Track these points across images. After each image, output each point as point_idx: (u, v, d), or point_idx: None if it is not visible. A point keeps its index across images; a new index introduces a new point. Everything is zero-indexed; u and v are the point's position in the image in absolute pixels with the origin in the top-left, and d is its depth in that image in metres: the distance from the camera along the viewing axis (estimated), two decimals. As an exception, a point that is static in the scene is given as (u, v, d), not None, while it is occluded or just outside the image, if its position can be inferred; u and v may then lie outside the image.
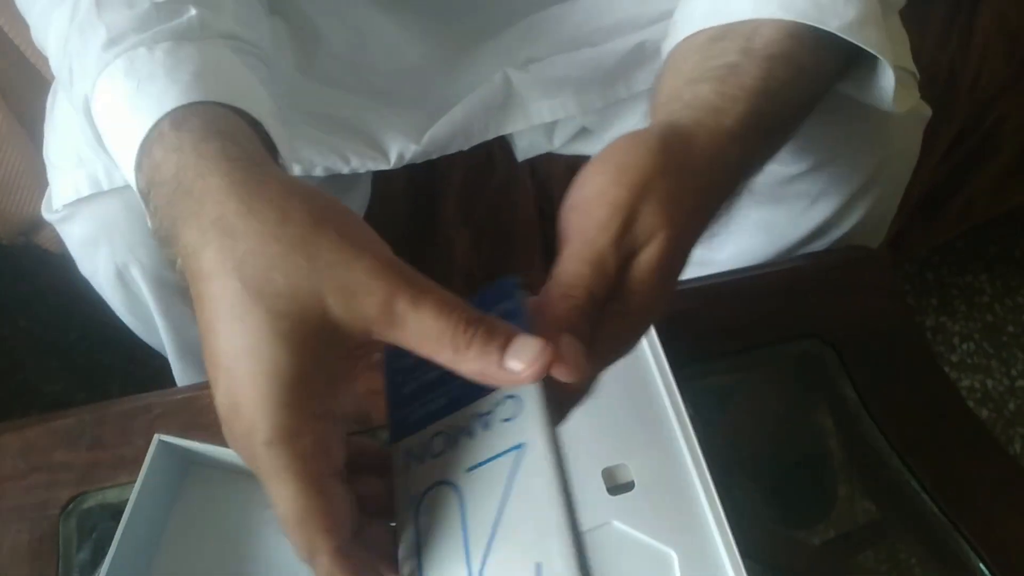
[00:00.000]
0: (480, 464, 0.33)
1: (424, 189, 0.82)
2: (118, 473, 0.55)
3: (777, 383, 0.63)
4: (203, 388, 0.58)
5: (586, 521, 0.48)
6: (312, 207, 0.33)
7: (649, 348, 0.55)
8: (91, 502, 0.55)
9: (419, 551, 0.33)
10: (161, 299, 0.60)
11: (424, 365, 0.34)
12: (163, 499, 0.52)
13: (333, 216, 0.33)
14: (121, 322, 0.69)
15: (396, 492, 0.35)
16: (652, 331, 0.54)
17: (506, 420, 0.33)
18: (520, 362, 0.31)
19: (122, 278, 0.59)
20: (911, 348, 0.59)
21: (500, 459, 0.32)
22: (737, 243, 0.67)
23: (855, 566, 0.58)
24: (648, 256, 0.37)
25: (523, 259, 0.92)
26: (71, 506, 0.54)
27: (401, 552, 0.34)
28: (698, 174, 0.39)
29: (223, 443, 0.34)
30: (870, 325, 0.60)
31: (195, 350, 0.67)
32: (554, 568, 0.29)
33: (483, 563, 0.31)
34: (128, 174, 0.39)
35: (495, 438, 0.33)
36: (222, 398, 0.32)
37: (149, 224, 0.37)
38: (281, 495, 0.32)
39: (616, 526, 0.49)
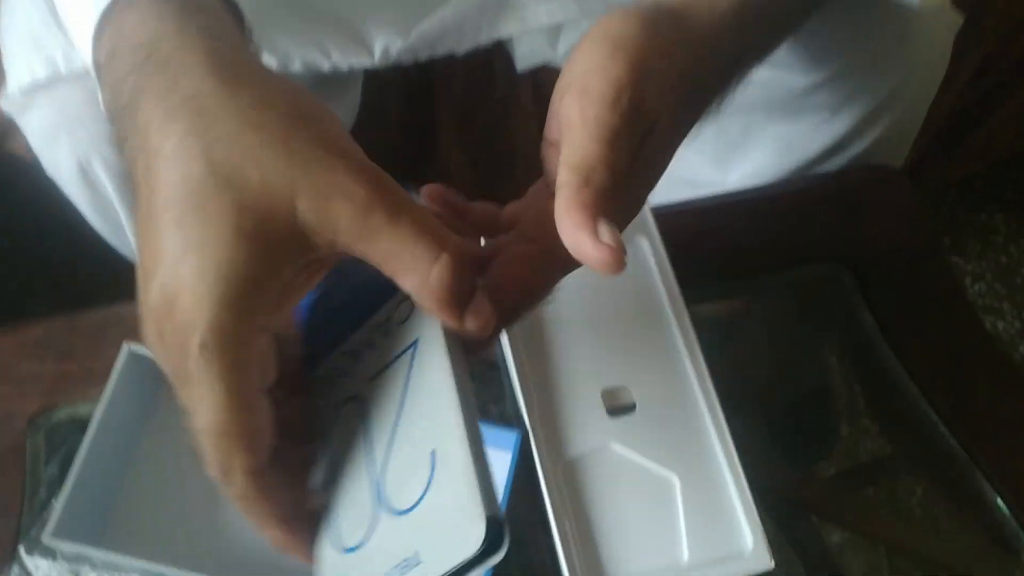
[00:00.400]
0: (380, 371, 0.32)
1: (419, 102, 0.77)
2: (88, 386, 0.51)
3: (789, 310, 0.60)
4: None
5: (584, 443, 0.46)
6: (295, 101, 0.30)
7: (657, 268, 0.51)
8: (61, 416, 0.52)
9: (329, 467, 0.32)
10: (127, 197, 0.57)
11: (334, 291, 0.34)
12: (134, 413, 0.49)
13: (316, 113, 0.31)
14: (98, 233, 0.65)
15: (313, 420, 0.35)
16: (662, 250, 0.51)
17: (401, 322, 0.32)
18: (477, 320, 0.30)
19: (86, 175, 0.55)
20: (934, 274, 0.56)
21: (398, 360, 0.32)
22: (751, 162, 0.63)
23: (861, 500, 0.56)
24: (649, 142, 0.33)
25: (524, 184, 0.88)
26: (39, 420, 0.51)
27: (316, 478, 0.33)
28: (693, 58, 0.35)
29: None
30: (891, 249, 0.56)
31: None
32: (448, 453, 0.28)
33: (384, 466, 0.30)
34: (83, 43, 0.34)
35: (393, 341, 0.32)
36: (156, 295, 0.29)
37: (100, 98, 0.33)
38: (205, 405, 0.29)
39: (615, 448, 0.46)
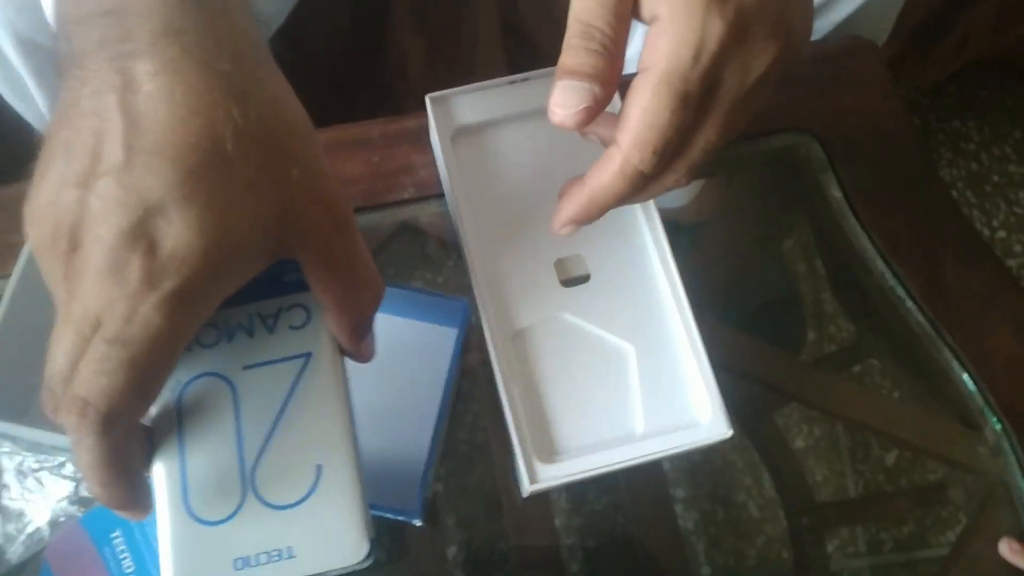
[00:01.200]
0: (261, 364, 0.34)
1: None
2: (9, 262, 0.48)
3: (756, 185, 0.57)
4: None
5: (535, 313, 0.44)
6: (297, 112, 0.30)
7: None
8: (-21, 294, 0.48)
9: (181, 435, 0.33)
10: (35, 68, 0.53)
11: None
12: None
13: (307, 130, 0.31)
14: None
15: None
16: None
17: (293, 328, 0.34)
18: (368, 352, 0.35)
19: None
20: (905, 149, 0.54)
21: (284, 363, 0.34)
22: None
23: (830, 384, 0.54)
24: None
25: (485, 75, 0.84)
26: (-46, 298, 0.48)
27: (155, 429, 0.33)
28: None
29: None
30: (862, 122, 0.54)
31: None
32: (335, 472, 0.33)
33: (258, 457, 0.33)
34: None
35: (280, 343, 0.34)
36: (144, 215, 0.26)
37: None
38: (136, 347, 0.26)
39: (567, 318, 0.44)
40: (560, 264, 0.45)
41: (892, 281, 0.50)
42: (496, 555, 0.47)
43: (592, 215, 0.37)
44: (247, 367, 0.34)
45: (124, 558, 0.42)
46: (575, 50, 0.33)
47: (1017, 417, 0.48)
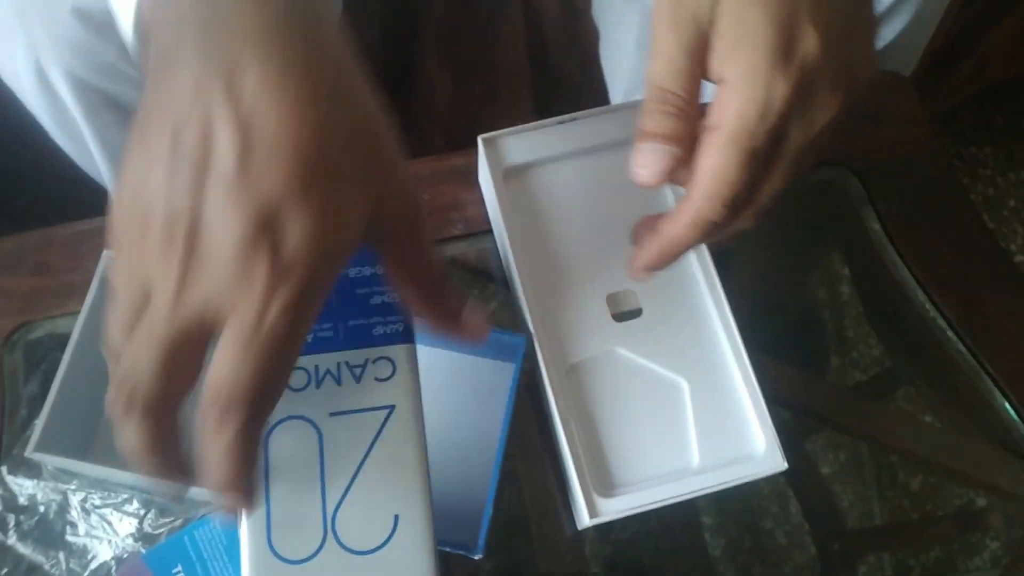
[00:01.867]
0: (346, 412, 0.35)
1: (402, 14, 0.74)
2: (66, 301, 0.49)
3: (793, 218, 0.58)
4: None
5: (589, 348, 0.44)
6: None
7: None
8: (38, 332, 0.49)
9: (267, 474, 0.34)
10: (88, 109, 0.53)
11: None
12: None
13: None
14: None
15: None
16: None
17: (379, 379, 0.36)
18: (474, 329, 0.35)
19: (43, 81, 0.51)
20: (941, 180, 0.54)
21: (368, 413, 0.35)
22: None
23: (869, 411, 0.55)
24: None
25: (510, 109, 0.85)
26: (15, 336, 0.49)
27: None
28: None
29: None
30: (899, 155, 0.55)
31: None
32: (412, 520, 0.34)
33: (340, 502, 0.34)
34: None
35: (365, 393, 0.35)
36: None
37: None
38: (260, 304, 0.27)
39: (620, 353, 0.45)
40: (612, 299, 0.46)
41: (933, 312, 0.51)
42: (525, 585, 0.47)
43: (666, 262, 0.38)
44: (333, 414, 0.35)
45: (186, 593, 0.43)
46: (653, 114, 0.35)
47: (1060, 444, 0.49)
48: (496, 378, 0.45)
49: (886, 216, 0.53)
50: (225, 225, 0.27)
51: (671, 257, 0.38)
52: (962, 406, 0.52)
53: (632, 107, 0.48)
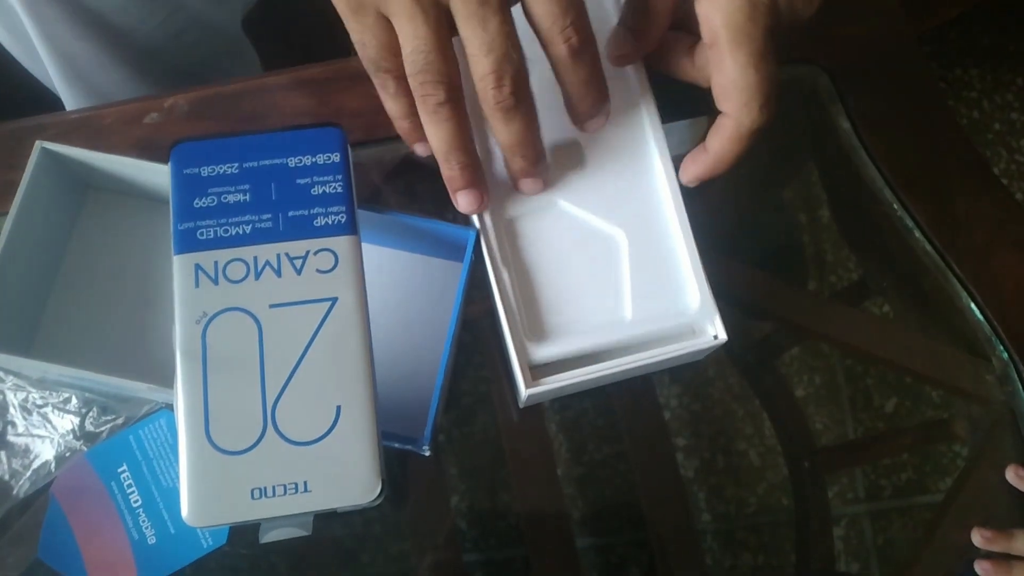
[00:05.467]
0: (287, 304, 0.35)
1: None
2: (5, 200, 0.47)
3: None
4: (103, 108, 0.50)
5: (529, 201, 0.43)
6: None
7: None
8: (-23, 232, 0.48)
9: (205, 367, 0.34)
10: (33, 9, 0.51)
11: (225, 182, 0.36)
12: (55, 217, 0.45)
13: None
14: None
15: (177, 303, 0.35)
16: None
17: (321, 271, 0.35)
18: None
19: None
20: (913, 79, 0.53)
21: (310, 305, 0.35)
22: None
23: (835, 313, 0.54)
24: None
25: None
26: (-47, 236, 0.47)
27: (180, 363, 0.34)
28: None
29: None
30: (870, 52, 0.53)
31: (84, 74, 0.58)
32: (354, 413, 0.34)
33: (280, 393, 0.34)
34: None
35: (307, 285, 0.35)
36: None
37: None
38: None
39: (561, 204, 0.44)
40: (557, 150, 0.44)
41: (900, 211, 0.50)
42: (498, 505, 0.47)
43: (718, 174, 0.41)
44: (273, 306, 0.35)
45: (131, 492, 0.42)
46: (632, 10, 0.41)
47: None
48: (446, 276, 0.44)
49: (856, 113, 0.51)
50: None
51: (723, 170, 0.40)
52: (928, 310, 0.51)
53: None
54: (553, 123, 0.42)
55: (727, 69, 0.36)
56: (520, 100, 0.36)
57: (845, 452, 0.53)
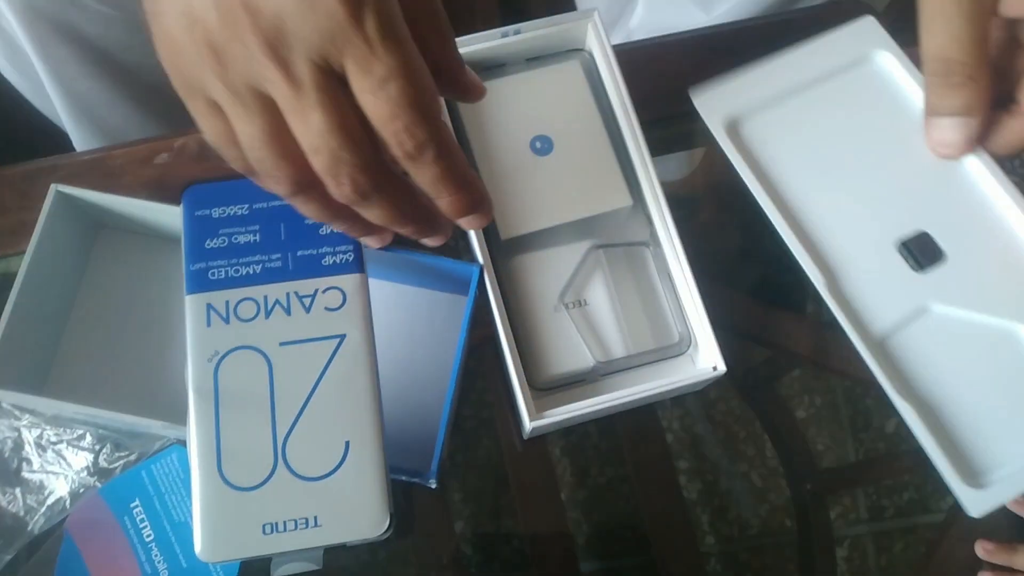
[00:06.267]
0: (296, 342, 0.35)
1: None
2: (20, 239, 0.48)
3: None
4: (114, 149, 0.51)
5: (897, 310, 0.40)
6: None
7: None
8: (-8, 272, 0.49)
9: (217, 404, 0.35)
10: (39, 40, 0.52)
11: (235, 223, 0.37)
12: (68, 258, 0.46)
13: None
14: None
15: (190, 342, 0.36)
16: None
17: (330, 309, 0.36)
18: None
19: None
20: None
21: (318, 343, 0.35)
22: None
23: (836, 342, 0.54)
24: None
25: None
26: (-32, 276, 0.48)
27: (193, 400, 0.35)
28: None
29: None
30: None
31: (92, 111, 0.59)
32: (363, 449, 0.34)
33: (290, 430, 0.34)
34: None
35: (316, 323, 0.36)
36: None
37: None
38: (402, 70, 0.27)
39: (936, 309, 0.39)
40: (905, 248, 0.40)
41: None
42: (503, 529, 0.47)
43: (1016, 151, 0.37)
44: (283, 344, 0.36)
45: (144, 527, 0.43)
46: (938, 88, 0.34)
47: None
48: (451, 310, 0.45)
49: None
50: None
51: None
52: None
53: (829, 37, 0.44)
54: (898, 217, 0.39)
55: None
56: (369, 191, 0.30)
57: (847, 474, 0.54)
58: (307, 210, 0.32)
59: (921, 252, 0.39)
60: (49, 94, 0.58)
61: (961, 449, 0.37)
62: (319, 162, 0.29)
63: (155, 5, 0.28)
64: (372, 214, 0.32)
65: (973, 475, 0.37)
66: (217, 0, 0.26)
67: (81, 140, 0.62)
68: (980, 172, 0.40)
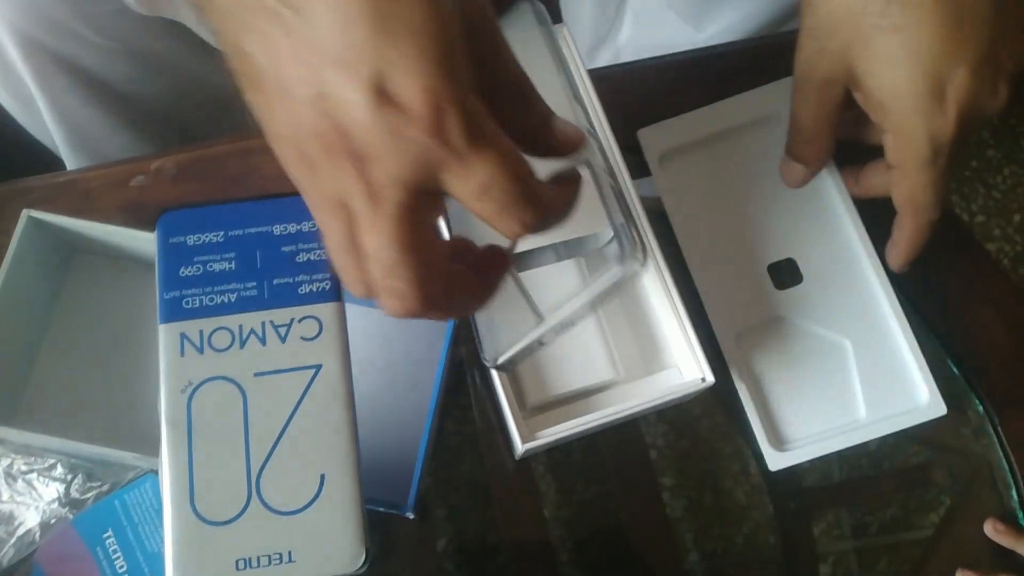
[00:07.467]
0: (271, 372, 0.35)
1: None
2: (-8, 263, 0.48)
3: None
4: (89, 171, 0.50)
5: (756, 316, 0.48)
6: None
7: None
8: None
9: (190, 436, 0.34)
10: (38, 70, 0.52)
11: (210, 251, 0.37)
12: (41, 285, 0.45)
13: None
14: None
15: (163, 372, 0.35)
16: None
17: (306, 339, 0.35)
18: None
19: None
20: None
21: (293, 373, 0.35)
22: (725, 18, 0.61)
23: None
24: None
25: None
26: (-61, 301, 0.47)
27: (165, 432, 0.34)
28: None
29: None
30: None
31: (90, 139, 0.58)
32: (338, 483, 0.34)
33: (264, 463, 0.34)
34: None
35: (291, 353, 0.35)
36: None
37: None
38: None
39: (787, 320, 0.48)
40: (773, 268, 0.49)
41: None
42: (486, 546, 0.47)
43: (916, 255, 0.46)
44: (258, 374, 0.35)
45: (116, 558, 0.42)
46: (793, 140, 0.46)
47: (999, 399, 0.49)
48: (430, 335, 0.45)
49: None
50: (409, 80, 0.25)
51: (918, 252, 0.46)
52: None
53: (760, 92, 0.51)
54: (767, 245, 0.49)
55: (906, 188, 0.42)
56: (427, 304, 0.29)
57: (828, 493, 0.54)
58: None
59: (784, 274, 0.49)
60: (46, 122, 0.58)
61: (775, 421, 0.47)
62: (376, 271, 0.29)
63: (263, 97, 0.28)
64: (448, 313, 0.32)
65: (779, 441, 0.47)
66: (316, 124, 0.26)
67: (76, 166, 0.61)
68: (842, 214, 0.49)
